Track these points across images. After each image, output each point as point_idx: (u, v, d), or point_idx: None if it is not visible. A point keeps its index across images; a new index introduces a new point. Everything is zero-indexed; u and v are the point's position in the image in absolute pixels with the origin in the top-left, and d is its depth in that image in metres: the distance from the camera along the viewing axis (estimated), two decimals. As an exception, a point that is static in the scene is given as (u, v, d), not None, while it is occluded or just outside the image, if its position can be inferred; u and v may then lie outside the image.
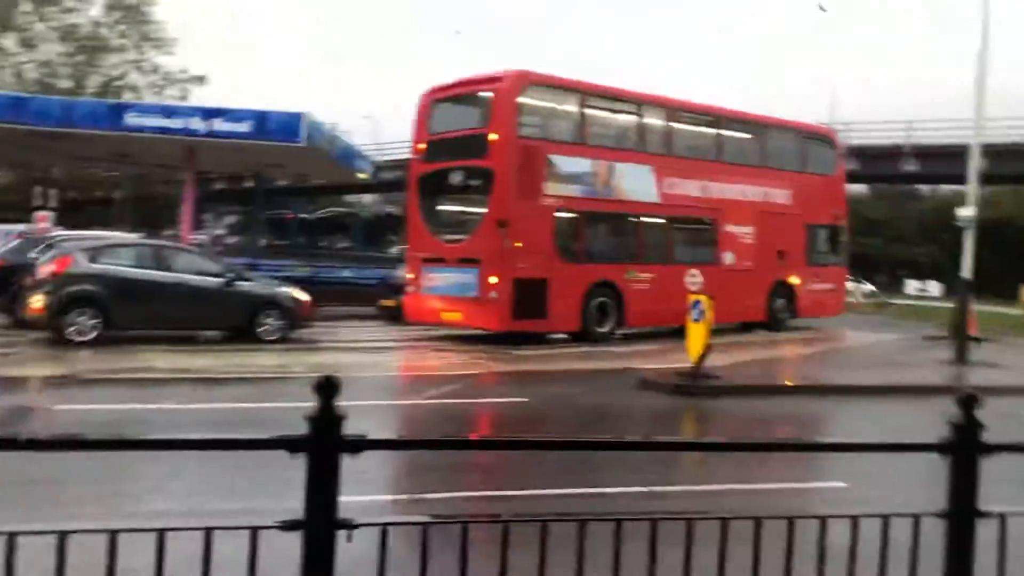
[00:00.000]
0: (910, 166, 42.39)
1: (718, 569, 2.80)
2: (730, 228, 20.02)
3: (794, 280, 21.37)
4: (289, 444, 2.42)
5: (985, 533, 2.98)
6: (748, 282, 20.12)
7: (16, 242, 18.38)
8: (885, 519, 2.92)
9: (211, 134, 20.54)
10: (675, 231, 19.33)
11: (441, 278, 17.32)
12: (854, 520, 2.92)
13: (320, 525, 2.42)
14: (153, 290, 14.53)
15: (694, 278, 18.55)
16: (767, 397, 11.86)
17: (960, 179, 20.12)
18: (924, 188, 65.20)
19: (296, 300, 15.95)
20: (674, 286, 17.58)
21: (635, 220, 18.62)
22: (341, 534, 2.45)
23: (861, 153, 40.76)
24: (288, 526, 2.43)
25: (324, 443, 2.41)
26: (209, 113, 20.78)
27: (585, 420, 9.86)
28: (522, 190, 16.59)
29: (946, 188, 60.70)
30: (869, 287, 40.75)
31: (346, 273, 28.91)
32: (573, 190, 17.40)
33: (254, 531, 2.44)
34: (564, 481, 6.71)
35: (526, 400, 10.86)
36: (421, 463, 7.06)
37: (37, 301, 13.99)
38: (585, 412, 10.35)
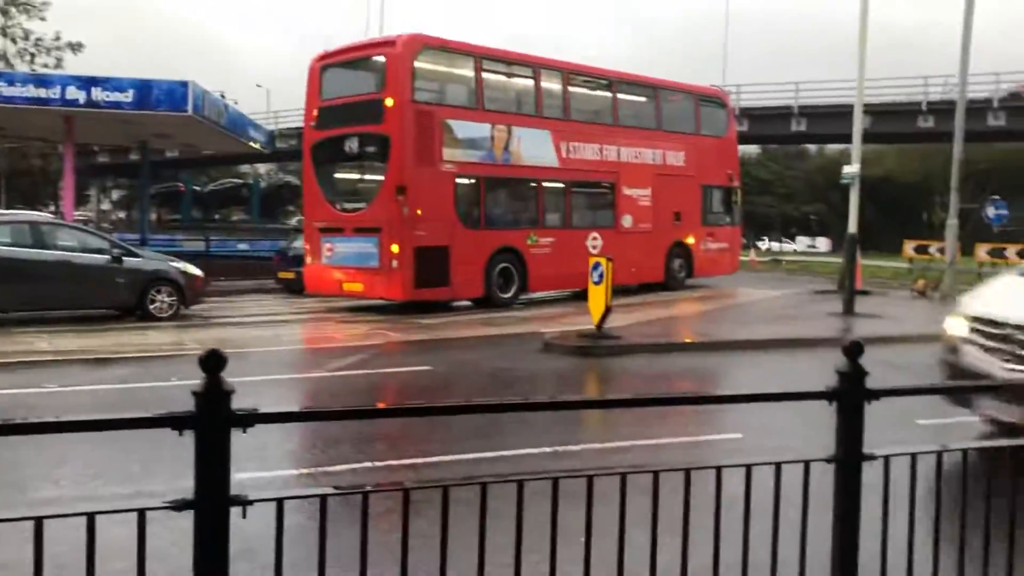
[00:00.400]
0: (799, 126, 43.76)
1: (619, 522, 2.83)
2: (628, 191, 20.32)
3: (690, 240, 21.90)
4: (175, 421, 2.32)
5: (871, 475, 3.11)
6: (647, 244, 20.58)
7: None
8: (777, 466, 3.01)
9: (90, 104, 19.56)
10: (575, 195, 19.49)
11: (341, 248, 17.05)
12: (748, 468, 3.00)
13: (212, 503, 2.34)
14: (34, 269, 13.84)
15: (595, 241, 18.86)
16: (666, 354, 12.14)
17: (845, 138, 20.85)
18: (812, 148, 67.49)
19: (188, 275, 15.45)
20: (575, 250, 17.80)
21: (535, 185, 18.67)
22: (236, 511, 2.38)
23: (751, 114, 41.87)
24: (179, 506, 2.34)
25: (212, 419, 2.32)
26: (87, 82, 19.76)
27: (489, 385, 9.90)
28: (420, 156, 16.39)
29: (833, 147, 63.07)
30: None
31: (242, 246, 28.23)
32: (472, 155, 17.33)
33: (141, 513, 2.34)
34: (470, 446, 6.72)
35: (430, 368, 10.83)
36: (324, 436, 6.96)
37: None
38: (489, 377, 10.38)
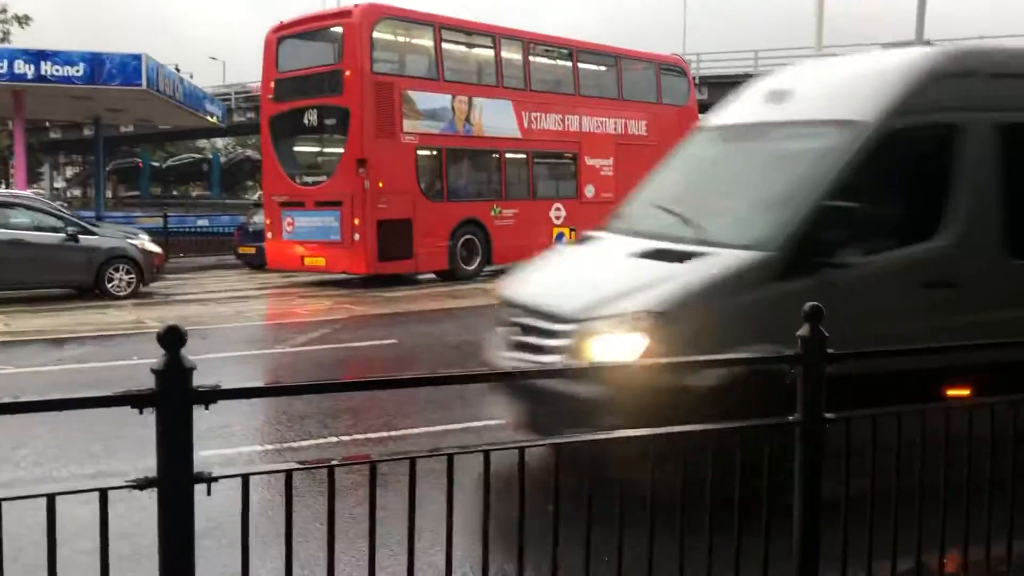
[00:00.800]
0: (758, 94, 43.87)
1: (588, 489, 2.86)
2: (590, 161, 20.25)
3: None
4: (135, 400, 2.29)
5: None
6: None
7: None
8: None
9: (40, 79, 19.09)
10: (537, 166, 19.40)
11: (302, 222, 16.85)
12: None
13: (175, 481, 2.31)
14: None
15: (559, 212, 18.86)
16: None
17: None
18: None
19: (146, 252, 15.19)
20: (539, 221, 17.76)
21: (497, 156, 18.56)
22: (201, 489, 2.36)
23: (711, 82, 41.93)
24: (141, 484, 2.31)
25: (173, 396, 2.29)
26: (36, 56, 19.27)
27: (454, 357, 9.89)
28: (380, 128, 16.19)
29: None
30: None
31: (201, 222, 27.84)
32: (433, 127, 17.17)
33: (103, 493, 2.31)
34: (435, 418, 6.72)
35: (394, 341, 10.80)
36: (290, 412, 6.92)
37: None
38: (454, 349, 10.36)
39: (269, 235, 17.59)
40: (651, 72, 22.38)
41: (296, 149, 18.02)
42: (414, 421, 6.68)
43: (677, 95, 22.84)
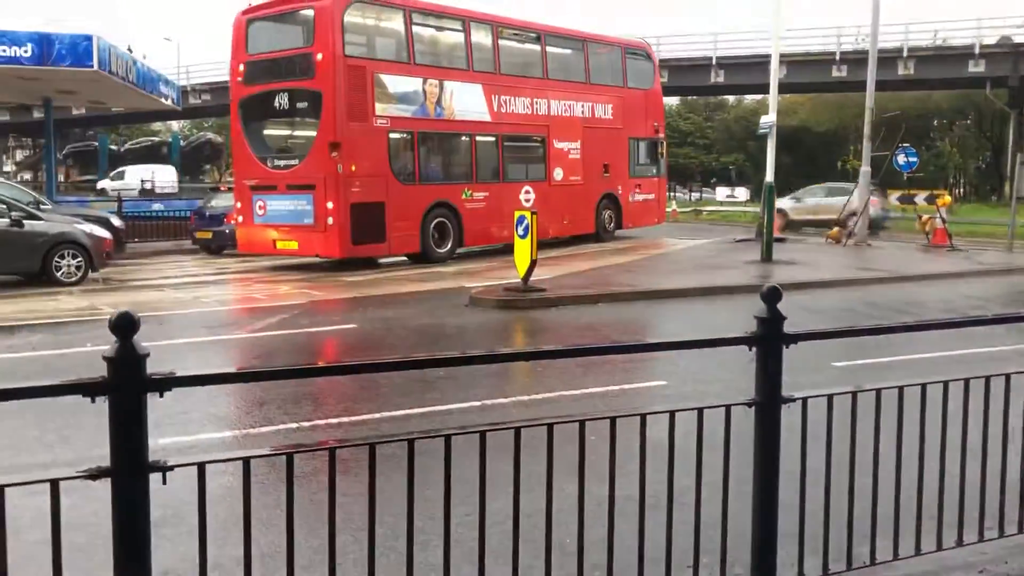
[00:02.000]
0: (717, 77, 44.19)
1: (547, 472, 2.86)
2: (559, 144, 20.45)
3: (619, 192, 22.16)
4: (87, 388, 2.25)
5: (791, 417, 3.20)
6: (578, 196, 20.87)
7: None
8: (699, 411, 3.07)
9: (-14, 59, 18.57)
10: (507, 149, 19.47)
11: (274, 206, 16.79)
12: (672, 414, 3.06)
13: (129, 470, 2.27)
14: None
15: (528, 195, 18.94)
16: (590, 306, 12.26)
17: (763, 88, 21.20)
18: (731, 98, 68.31)
19: (95, 237, 14.88)
20: (509, 204, 17.82)
21: (468, 139, 18.65)
22: (158, 477, 2.33)
23: (671, 66, 42.06)
24: (94, 474, 2.27)
25: (125, 384, 2.25)
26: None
27: (415, 341, 9.86)
28: (352, 111, 16.16)
29: (751, 98, 63.99)
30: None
31: (156, 206, 27.35)
32: (405, 110, 17.20)
33: (55, 483, 2.26)
34: (396, 403, 6.71)
35: (354, 326, 10.73)
36: (249, 399, 6.86)
37: None
38: (415, 333, 10.34)
39: (240, 219, 17.47)
40: (617, 56, 22.55)
41: (267, 132, 17.88)
42: (373, 406, 6.65)
43: (643, 79, 23.07)
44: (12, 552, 2.23)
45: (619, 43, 23.13)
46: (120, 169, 44.35)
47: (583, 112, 21.00)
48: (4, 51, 18.53)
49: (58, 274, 14.12)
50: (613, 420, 2.97)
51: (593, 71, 21.46)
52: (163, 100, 26.01)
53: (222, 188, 24.88)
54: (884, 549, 3.46)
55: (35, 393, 2.29)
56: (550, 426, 2.91)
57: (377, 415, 6.44)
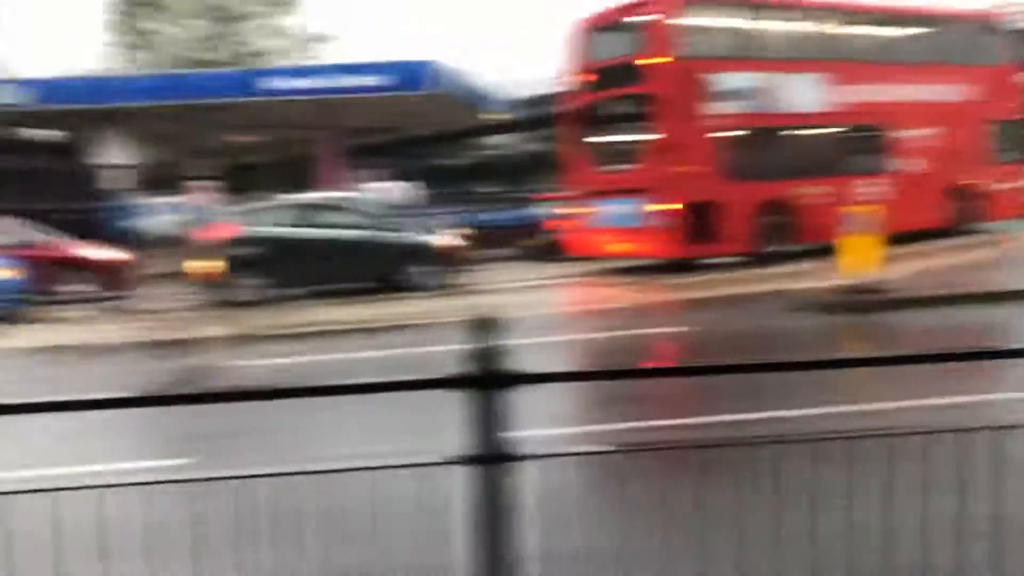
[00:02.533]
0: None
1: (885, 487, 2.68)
2: (904, 132, 19.03)
3: (976, 181, 19.93)
4: (457, 382, 2.48)
5: None
6: (926, 188, 18.99)
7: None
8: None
9: (348, 90, 21.04)
10: (845, 140, 18.54)
11: (605, 209, 17.38)
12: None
13: (490, 458, 2.47)
14: (310, 247, 15.15)
15: (871, 188, 17.74)
16: (937, 308, 11.21)
17: None
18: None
19: (447, 246, 16.20)
20: (847, 198, 16.75)
21: (804, 133, 18.06)
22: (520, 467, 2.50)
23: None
24: (459, 461, 2.50)
25: (487, 379, 2.45)
26: (343, 69, 21.31)
27: (744, 345, 9.65)
28: (684, 113, 16.42)
29: None
30: None
31: (502, 216, 29.04)
32: (737, 107, 17.05)
33: (420, 467, 2.51)
34: (727, 407, 6.60)
35: (683, 329, 10.74)
36: (589, 398, 7.11)
37: (209, 266, 14.93)
38: (746, 337, 10.12)
39: (571, 223, 18.28)
40: (965, 31, 20.43)
41: (599, 138, 18.40)
42: (707, 409, 6.60)
43: (995, 54, 20.59)
44: (379, 523, 2.52)
45: (967, 17, 20.93)
46: None
47: (930, 96, 19.28)
48: (363, 81, 20.88)
49: (408, 279, 15.50)
50: (965, 433, 2.71)
51: (941, 51, 19.69)
52: (495, 115, 27.76)
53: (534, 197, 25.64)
54: None
55: (414, 386, 2.57)
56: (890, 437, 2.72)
57: (710, 418, 6.38)
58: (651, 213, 16.35)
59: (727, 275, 15.93)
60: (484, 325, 2.46)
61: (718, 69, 16.97)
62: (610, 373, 2.68)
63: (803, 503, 2.73)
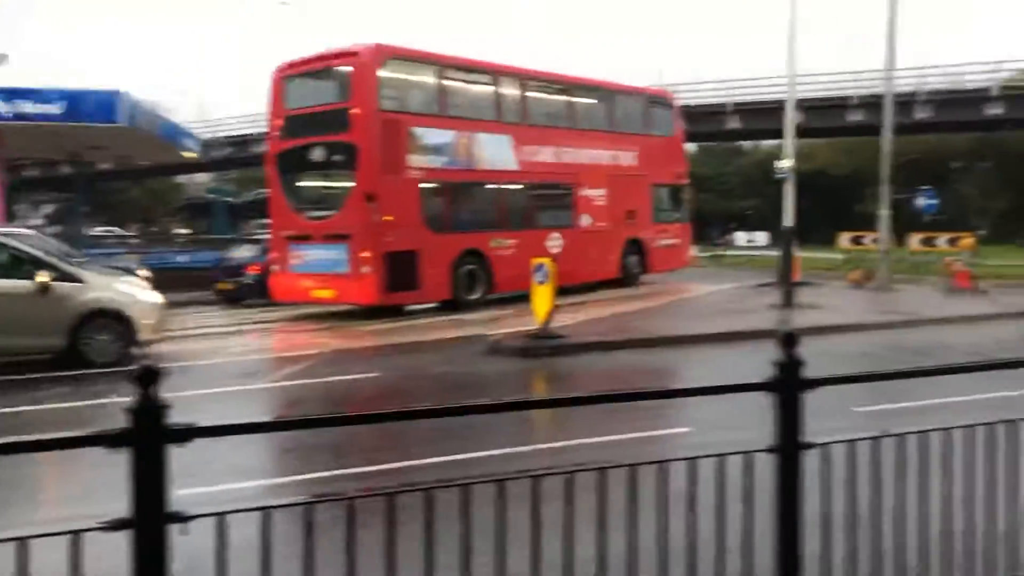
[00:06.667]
0: (733, 123, 44.45)
1: (564, 520, 2.84)
2: (585, 191, 20.83)
3: (644, 237, 22.32)
4: (109, 439, 2.27)
5: (812, 463, 3.16)
6: (604, 242, 21.17)
7: None
8: (720, 458, 3.05)
9: (18, 117, 19.01)
10: (535, 197, 19.88)
11: (309, 255, 17.21)
12: (692, 461, 3.04)
13: (148, 521, 2.29)
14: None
15: (555, 241, 19.18)
16: (612, 352, 12.23)
17: (778, 133, 21.29)
18: (747, 144, 68.57)
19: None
20: (537, 250, 17.95)
21: (497, 188, 19.08)
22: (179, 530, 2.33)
23: (687, 112, 42.37)
24: (114, 525, 2.28)
25: (148, 434, 2.27)
26: (13, 94, 19.20)
27: (435, 389, 9.87)
28: (387, 163, 16.64)
29: (767, 143, 64.19)
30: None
31: (180, 258, 27.65)
32: (437, 161, 17.64)
33: (76, 535, 2.27)
34: (417, 452, 6.70)
35: (377, 374, 10.76)
36: (274, 449, 6.87)
37: None
38: (435, 381, 10.35)
39: (276, 268, 17.95)
40: (640, 104, 23.08)
41: (303, 184, 18.40)
42: (395, 456, 6.64)
43: (665, 126, 23.50)
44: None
45: (642, 92, 23.60)
46: None
47: (609, 160, 21.39)
48: (36, 109, 18.98)
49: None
50: (633, 467, 2.96)
51: (617, 120, 21.94)
52: (187, 153, 26.45)
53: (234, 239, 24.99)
54: (913, 599, 3.39)
55: (60, 445, 2.32)
56: (570, 474, 2.89)
57: (398, 464, 6.43)
58: (353, 260, 16.42)
59: (426, 321, 16.31)
60: (146, 374, 2.28)
61: (418, 124, 17.48)
62: (278, 424, 2.61)
63: (492, 542, 2.80)
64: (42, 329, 11.17)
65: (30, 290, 11.08)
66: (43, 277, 11.15)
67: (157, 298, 12.47)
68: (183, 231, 43.96)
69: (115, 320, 11.59)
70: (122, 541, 2.31)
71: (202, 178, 73.71)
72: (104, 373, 10.84)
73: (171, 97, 77.29)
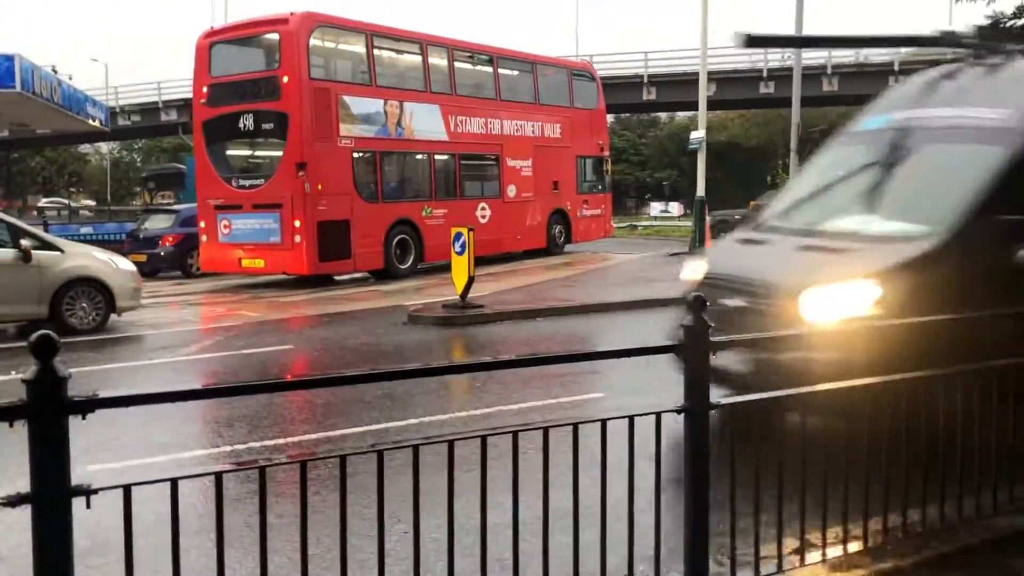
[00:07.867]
0: (649, 95, 44.91)
1: (481, 485, 2.87)
2: (512, 162, 20.97)
3: (568, 208, 22.56)
4: (5, 412, 2.19)
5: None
6: (530, 212, 21.46)
7: None
8: (631, 419, 3.13)
9: None
10: (464, 167, 19.90)
11: (239, 225, 16.92)
12: (603, 423, 3.10)
13: (50, 496, 2.22)
14: None
15: (484, 211, 19.25)
16: (528, 321, 12.32)
17: (693, 105, 21.71)
18: (663, 115, 69.48)
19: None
20: (466, 220, 18.05)
21: (427, 158, 19.06)
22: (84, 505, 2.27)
23: (604, 84, 42.65)
24: (13, 501, 2.21)
25: (46, 407, 2.20)
26: None
27: (351, 360, 9.80)
28: (318, 132, 16.45)
29: (682, 114, 65.16)
30: None
31: (84, 230, 26.72)
32: (367, 130, 17.53)
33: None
34: (333, 423, 6.65)
35: (290, 347, 10.62)
36: (184, 422, 6.73)
37: None
38: (351, 352, 10.27)
39: (204, 238, 17.59)
40: (564, 77, 23.30)
41: (231, 152, 18.07)
42: (309, 427, 6.59)
43: (587, 99, 23.74)
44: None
45: (565, 64, 23.89)
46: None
47: (534, 131, 21.58)
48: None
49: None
50: (546, 431, 3.00)
51: (542, 92, 22.11)
52: (91, 121, 25.46)
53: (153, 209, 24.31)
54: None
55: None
56: (483, 439, 2.92)
57: (313, 436, 6.38)
58: (285, 229, 16.24)
59: (353, 291, 16.24)
60: (44, 344, 2.20)
61: (348, 92, 17.31)
62: (182, 394, 2.55)
63: (409, 508, 2.80)
64: (24, 297, 11.15)
65: (11, 258, 11.02)
66: (24, 244, 11.10)
67: (131, 267, 12.59)
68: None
69: (96, 288, 11.69)
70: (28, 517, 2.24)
71: (106, 147, 71.11)
72: (88, 341, 10.82)
73: (80, 64, 74.18)
